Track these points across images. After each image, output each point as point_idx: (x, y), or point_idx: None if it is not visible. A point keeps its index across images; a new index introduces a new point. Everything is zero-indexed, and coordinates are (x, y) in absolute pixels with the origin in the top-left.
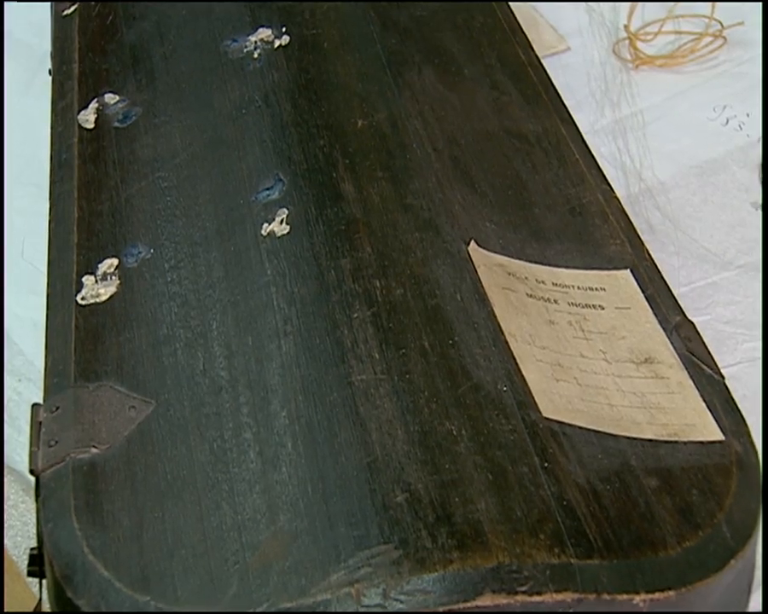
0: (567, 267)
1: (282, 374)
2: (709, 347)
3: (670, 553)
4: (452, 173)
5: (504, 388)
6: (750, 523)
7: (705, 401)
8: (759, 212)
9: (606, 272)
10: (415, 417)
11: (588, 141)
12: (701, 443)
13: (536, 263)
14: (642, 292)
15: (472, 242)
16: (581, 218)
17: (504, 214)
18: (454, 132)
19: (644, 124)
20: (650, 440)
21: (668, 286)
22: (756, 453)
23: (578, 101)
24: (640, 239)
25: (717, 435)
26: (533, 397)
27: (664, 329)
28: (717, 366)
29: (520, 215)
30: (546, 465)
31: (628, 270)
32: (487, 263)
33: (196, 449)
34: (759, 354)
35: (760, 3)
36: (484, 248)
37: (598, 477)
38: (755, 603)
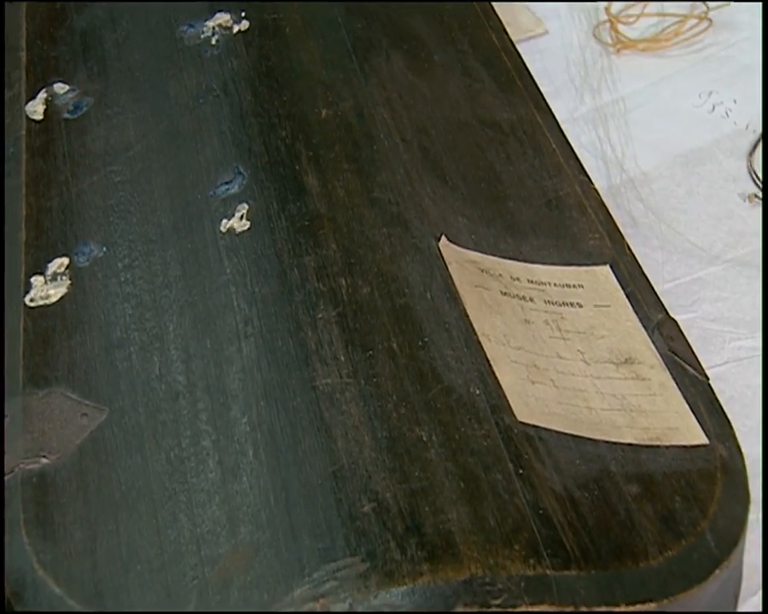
0: (543, 263)
1: (243, 379)
2: (694, 346)
3: (651, 563)
4: (422, 165)
5: (477, 391)
6: (736, 530)
7: (688, 403)
8: (747, 203)
9: (584, 268)
10: (382, 422)
11: (567, 130)
12: (684, 447)
13: (510, 259)
14: (623, 288)
15: (443, 238)
16: (558, 212)
17: (477, 208)
18: (423, 121)
19: (626, 111)
20: (631, 444)
21: (650, 283)
22: (742, 457)
23: (556, 87)
24: (620, 233)
25: (701, 438)
26: (507, 401)
27: (645, 328)
28: (701, 366)
29: (493, 208)
30: (521, 471)
31: (607, 266)
32: (459, 260)
33: (152, 459)
34: (747, 353)
35: (760, 3)
36: (455, 244)
37: (576, 484)
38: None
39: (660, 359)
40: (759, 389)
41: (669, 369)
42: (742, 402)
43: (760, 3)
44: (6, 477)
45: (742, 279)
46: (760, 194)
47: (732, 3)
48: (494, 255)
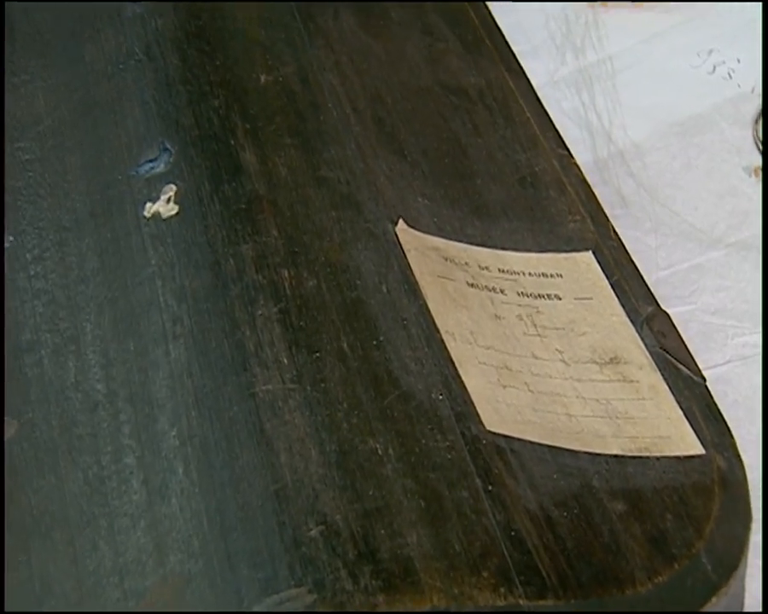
0: (516, 249)
1: (171, 386)
2: (693, 343)
3: (639, 591)
4: (376, 138)
5: (440, 397)
6: (735, 552)
7: (682, 408)
8: (753, 178)
9: (563, 255)
10: (331, 434)
11: (545, 96)
12: (677, 458)
13: (478, 245)
14: (608, 278)
15: (400, 221)
16: (533, 190)
17: (440, 187)
18: (378, 88)
19: (614, 73)
20: (616, 456)
21: (638, 271)
22: (743, 468)
23: (533, 46)
24: (605, 214)
25: (696, 448)
26: (475, 408)
27: (633, 323)
28: (697, 366)
29: (458, 187)
30: (490, 488)
31: (590, 252)
32: (419, 247)
33: (68, 478)
34: (753, 350)
35: (760, 3)
36: (415, 228)
37: (553, 502)
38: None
39: (650, 358)
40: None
41: (660, 370)
42: (747, 406)
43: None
44: None
45: (747, 265)
46: None
47: None
48: (460, 241)
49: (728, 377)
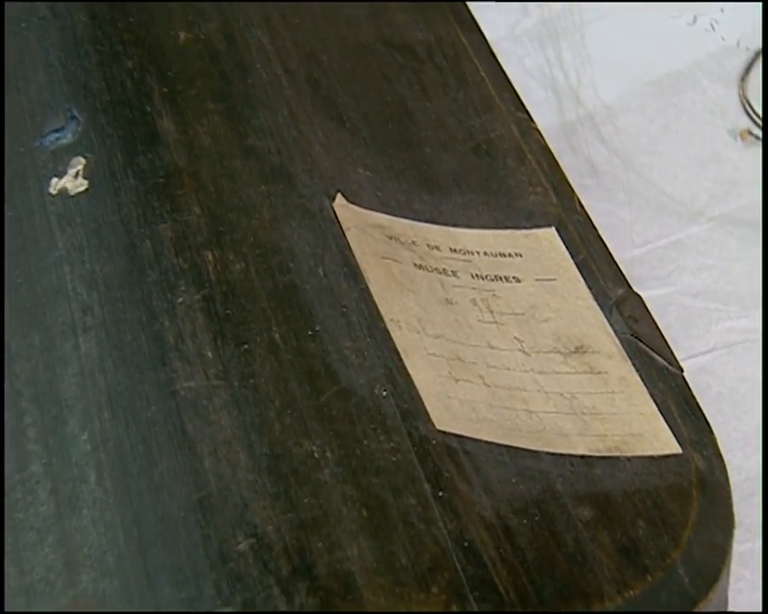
0: (469, 226)
1: (81, 384)
2: (672, 329)
3: (608, 606)
4: (311, 102)
5: (384, 392)
6: (715, 562)
7: (656, 402)
8: (739, 142)
9: (523, 232)
10: (262, 436)
11: (505, 51)
12: (651, 458)
13: (427, 221)
14: (573, 257)
15: (338, 196)
16: (489, 159)
17: (383, 156)
18: (313, 46)
19: (582, 24)
20: (582, 456)
21: (607, 249)
22: (724, 468)
23: None
24: (570, 185)
25: (671, 447)
26: (423, 404)
27: (601, 307)
28: (672, 354)
29: (405, 157)
30: (441, 494)
31: (553, 228)
32: (360, 225)
33: None
34: (740, 336)
35: (760, 3)
36: (355, 204)
37: (511, 509)
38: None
39: (621, 347)
40: (755, 383)
41: (632, 359)
42: (733, 399)
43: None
44: None
45: (733, 241)
46: (757, 131)
47: None
48: (406, 217)
49: (711, 367)
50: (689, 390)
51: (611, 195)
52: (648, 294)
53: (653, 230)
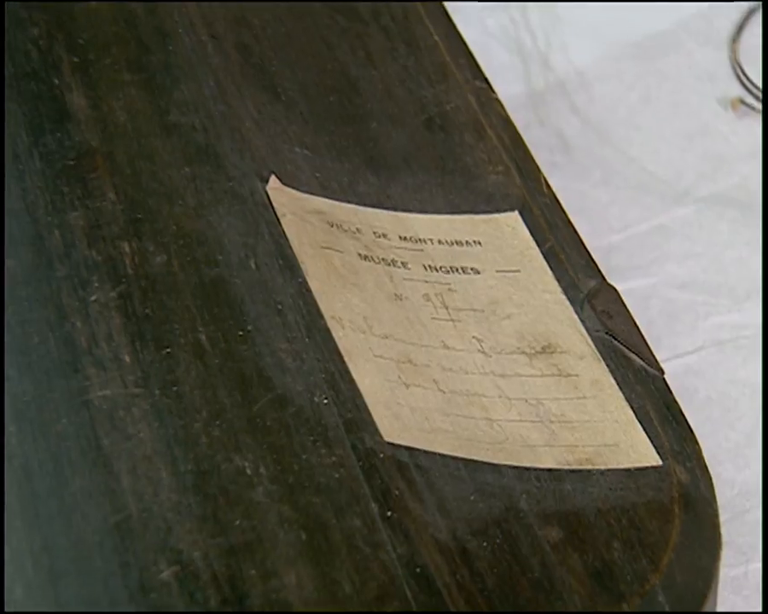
0: (422, 211)
1: None
2: (655, 325)
3: None
4: (241, 72)
5: (325, 400)
6: (699, 588)
7: (633, 408)
8: (731, 112)
9: (482, 217)
10: (187, 450)
11: (463, 11)
12: (628, 471)
13: (374, 206)
14: (539, 245)
15: (272, 178)
16: (443, 135)
17: (323, 132)
18: (243, 8)
19: None
20: (550, 470)
21: (578, 235)
22: (710, 483)
23: None
24: (535, 163)
25: (651, 459)
26: (370, 413)
27: (571, 301)
28: (652, 354)
29: (348, 133)
30: (389, 514)
31: (516, 213)
32: (297, 210)
33: None
34: (731, 333)
35: (760, 3)
36: (292, 187)
37: (470, 530)
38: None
39: (593, 346)
40: (749, 385)
41: (605, 360)
42: (724, 404)
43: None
44: None
45: (724, 224)
46: (751, 99)
47: None
48: (350, 201)
49: (699, 368)
50: (671, 394)
51: (584, 174)
52: (628, 286)
53: (632, 213)
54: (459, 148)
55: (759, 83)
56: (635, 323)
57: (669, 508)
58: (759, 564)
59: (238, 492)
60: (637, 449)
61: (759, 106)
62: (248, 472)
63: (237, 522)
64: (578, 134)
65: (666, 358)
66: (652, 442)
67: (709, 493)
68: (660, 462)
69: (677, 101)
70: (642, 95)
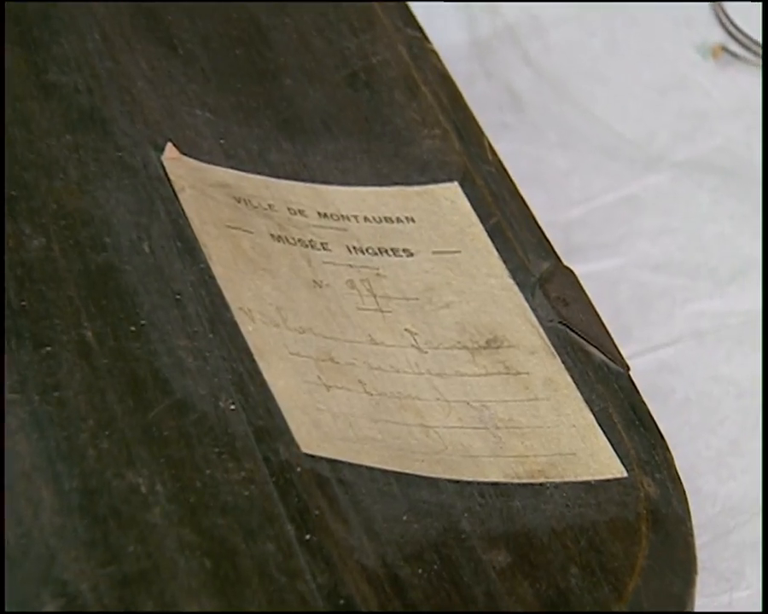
0: (344, 182)
1: None
2: (624, 313)
3: None
4: (131, 23)
5: (232, 405)
6: None
7: (593, 411)
8: (711, 62)
9: (416, 188)
10: (72, 466)
11: None
12: (587, 484)
13: (288, 178)
14: (482, 221)
15: (169, 147)
16: (369, 93)
17: (228, 91)
18: None
19: None
20: (497, 484)
21: (528, 209)
22: (684, 496)
23: None
24: (478, 125)
25: (613, 469)
26: (285, 420)
27: (521, 287)
28: (615, 347)
29: (257, 92)
30: (308, 537)
31: (456, 184)
32: (198, 184)
33: None
34: (713, 322)
35: (760, 3)
36: (192, 156)
37: (402, 555)
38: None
39: (546, 339)
40: (731, 383)
41: (560, 355)
42: (705, 405)
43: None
44: None
45: (704, 194)
46: (734, 46)
47: None
48: (260, 172)
49: (676, 362)
50: (638, 393)
51: (539, 136)
52: (591, 268)
53: (597, 182)
54: (388, 109)
55: (744, 28)
56: (595, 311)
57: (635, 527)
58: (745, 593)
59: (131, 513)
60: (597, 459)
61: (744, 53)
62: (143, 489)
63: (131, 548)
64: (531, 88)
65: (638, 352)
66: (615, 449)
67: (682, 509)
68: (625, 473)
69: (649, 48)
70: (607, 42)
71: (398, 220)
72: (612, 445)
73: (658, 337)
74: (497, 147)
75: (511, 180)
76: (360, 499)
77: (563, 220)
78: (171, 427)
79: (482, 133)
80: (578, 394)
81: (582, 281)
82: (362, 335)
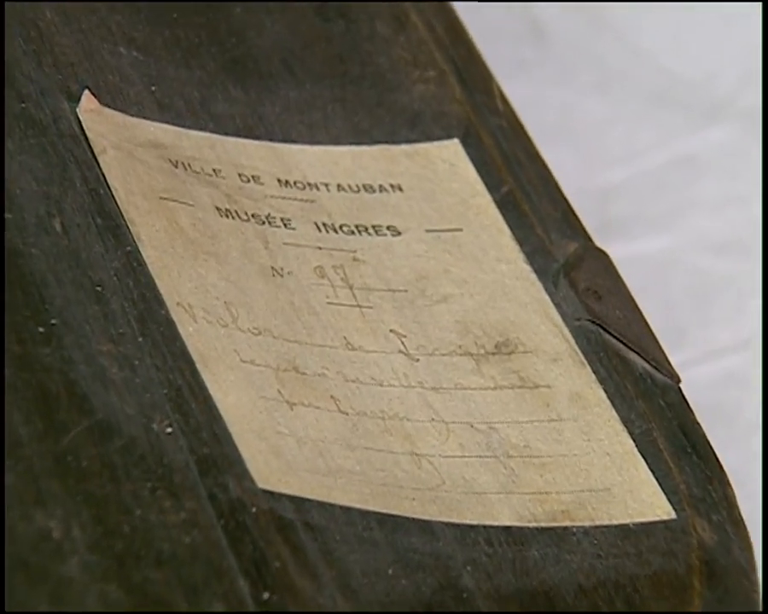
0: (312, 141)
1: None
2: (675, 308)
3: None
4: None
5: (168, 429)
6: None
7: (633, 435)
8: None
9: (404, 148)
10: None
11: None
12: (625, 529)
13: (239, 135)
14: (491, 191)
15: (86, 96)
16: (344, 24)
17: (162, 24)
18: None
19: None
20: (507, 529)
21: (550, 173)
22: (749, 544)
23: None
24: (484, 64)
25: (659, 509)
26: (236, 447)
27: (540, 275)
28: (662, 353)
29: (198, 23)
30: (267, 596)
31: (456, 141)
32: (124, 143)
33: None
34: None
35: (760, 3)
36: (115, 108)
37: None
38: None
39: (573, 342)
40: None
41: (591, 364)
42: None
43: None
44: None
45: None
46: None
47: None
48: (201, 127)
49: (744, 373)
50: (691, 413)
51: (568, 77)
52: (634, 250)
53: (643, 136)
54: (368, 44)
55: None
56: (637, 307)
57: (686, 582)
58: None
59: (42, 564)
60: (637, 496)
61: None
62: (56, 535)
63: (42, 608)
64: (558, 15)
65: (693, 359)
66: (660, 484)
67: (745, 558)
68: (673, 514)
69: None
70: None
71: (382, 189)
72: (656, 478)
73: (721, 340)
74: (510, 92)
75: (527, 135)
76: (333, 547)
77: (597, 186)
78: (90, 456)
79: (490, 75)
80: (614, 413)
81: (620, 267)
82: (335, 338)
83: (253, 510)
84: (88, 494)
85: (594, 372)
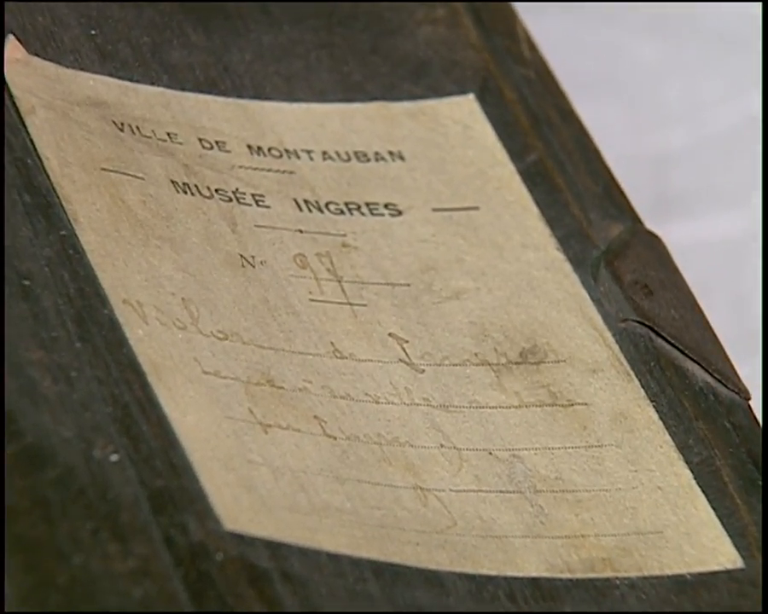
0: (290, 97)
1: None
2: (744, 309)
3: None
4: None
5: (114, 456)
6: None
7: (691, 465)
8: None
9: (405, 105)
10: None
11: None
12: (681, 580)
13: (200, 90)
14: (514, 159)
15: (11, 41)
16: None
17: None
18: None
19: None
20: (535, 581)
21: (589, 138)
22: None
23: None
24: (507, 2)
25: (723, 556)
26: (198, 479)
27: (576, 265)
28: (729, 363)
29: None
30: None
31: (471, 98)
32: (57, 101)
33: None
34: None
35: (760, 3)
36: (46, 57)
37: None
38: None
39: (616, 348)
40: None
41: (640, 376)
42: None
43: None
44: None
45: None
46: None
47: None
48: (154, 81)
49: None
50: (763, 437)
51: (613, 15)
52: (695, 234)
53: (707, 89)
54: None
55: None
56: (697, 305)
57: None
58: None
59: None
60: (696, 540)
61: None
62: None
63: None
64: None
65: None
66: (725, 526)
67: None
68: (740, 563)
69: None
70: None
71: (378, 157)
72: (719, 518)
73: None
74: (539, 34)
75: (561, 90)
76: (318, 604)
77: (650, 153)
78: (18, 489)
79: (513, 13)
80: (668, 437)
81: (677, 255)
82: (319, 343)
83: (219, 557)
84: (15, 537)
85: (643, 386)
